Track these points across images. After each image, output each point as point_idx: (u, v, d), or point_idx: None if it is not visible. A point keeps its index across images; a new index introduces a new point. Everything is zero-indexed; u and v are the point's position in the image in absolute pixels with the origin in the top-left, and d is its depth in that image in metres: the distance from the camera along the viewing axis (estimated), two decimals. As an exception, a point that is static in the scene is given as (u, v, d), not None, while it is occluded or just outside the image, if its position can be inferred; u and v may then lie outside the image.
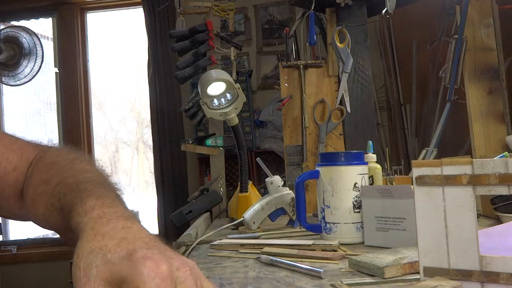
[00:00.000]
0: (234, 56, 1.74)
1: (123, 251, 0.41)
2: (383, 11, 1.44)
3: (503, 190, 0.54)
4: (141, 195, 3.92)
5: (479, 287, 0.55)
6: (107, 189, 0.55)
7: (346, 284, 0.66)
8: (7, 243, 3.46)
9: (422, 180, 0.58)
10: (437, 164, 0.57)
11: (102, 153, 3.90)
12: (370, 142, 1.19)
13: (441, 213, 0.57)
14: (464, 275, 0.55)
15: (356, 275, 0.71)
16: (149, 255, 0.40)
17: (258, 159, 1.27)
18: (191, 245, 1.04)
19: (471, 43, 1.46)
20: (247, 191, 1.36)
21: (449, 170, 0.56)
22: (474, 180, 0.55)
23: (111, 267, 0.40)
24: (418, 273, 0.68)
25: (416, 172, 0.59)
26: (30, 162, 0.67)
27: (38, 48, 3.41)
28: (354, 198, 0.96)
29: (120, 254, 0.41)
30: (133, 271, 0.39)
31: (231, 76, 1.31)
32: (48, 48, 3.65)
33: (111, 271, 0.40)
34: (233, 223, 1.21)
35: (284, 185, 1.21)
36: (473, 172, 0.55)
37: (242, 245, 0.99)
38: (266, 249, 0.90)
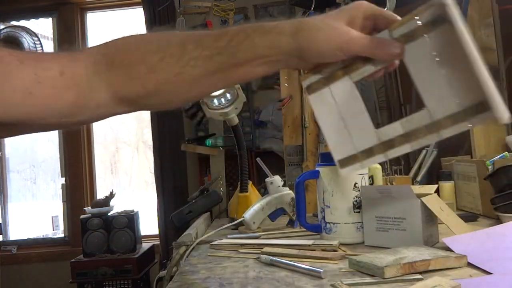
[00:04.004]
0: (234, 56, 1.74)
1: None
2: (383, 11, 1.44)
3: (370, 69, 0.58)
4: (141, 195, 3.92)
5: (383, 158, 0.59)
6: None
7: (346, 284, 0.66)
8: (7, 243, 3.46)
9: (311, 88, 0.63)
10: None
11: (102, 153, 3.89)
12: (370, 142, 1.19)
13: (335, 110, 0.61)
14: (369, 152, 0.60)
15: (356, 275, 0.71)
16: None
17: (258, 159, 1.27)
18: (191, 245, 1.04)
19: (471, 43, 1.46)
20: (247, 191, 1.36)
21: (326, 72, 0.61)
22: (347, 71, 0.59)
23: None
24: (418, 273, 0.68)
25: (304, 84, 0.64)
26: (82, 64, 0.58)
27: (38, 48, 3.41)
28: (354, 198, 0.96)
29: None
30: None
31: (231, 76, 1.31)
32: (48, 48, 3.65)
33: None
34: (233, 223, 1.21)
35: (284, 185, 1.21)
36: (345, 64, 0.59)
37: (242, 245, 0.99)
38: (266, 249, 0.90)
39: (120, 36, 0.61)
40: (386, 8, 1.42)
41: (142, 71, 0.57)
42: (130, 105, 0.62)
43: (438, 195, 1.08)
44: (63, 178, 3.45)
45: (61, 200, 3.45)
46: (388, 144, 0.58)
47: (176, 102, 0.63)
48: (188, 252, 1.01)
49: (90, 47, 0.61)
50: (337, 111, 0.60)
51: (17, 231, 3.60)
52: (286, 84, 1.61)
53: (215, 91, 0.62)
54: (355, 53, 0.56)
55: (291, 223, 1.19)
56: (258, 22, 0.58)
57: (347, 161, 0.61)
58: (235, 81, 0.61)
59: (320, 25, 0.55)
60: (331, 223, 0.98)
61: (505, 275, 0.65)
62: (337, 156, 0.62)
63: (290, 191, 1.18)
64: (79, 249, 2.84)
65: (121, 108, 0.62)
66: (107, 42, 0.61)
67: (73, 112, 0.59)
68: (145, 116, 3.93)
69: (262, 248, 0.91)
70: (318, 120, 0.63)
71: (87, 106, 0.59)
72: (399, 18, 0.57)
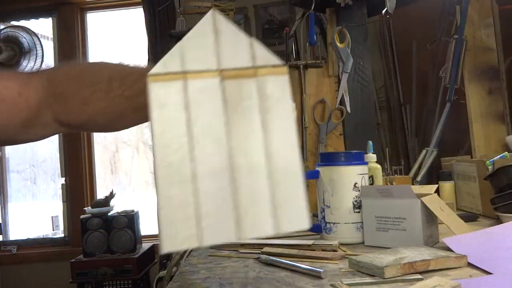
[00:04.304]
0: (234, 56, 1.73)
1: None
2: (383, 11, 1.44)
3: None
4: (141, 195, 3.92)
5: None
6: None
7: (346, 284, 0.66)
8: (7, 243, 3.46)
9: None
10: None
11: (102, 153, 3.89)
12: (370, 142, 1.19)
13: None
14: None
15: (356, 275, 0.71)
16: None
17: (258, 159, 1.26)
18: (191, 245, 1.03)
19: (471, 43, 1.46)
20: (247, 191, 1.36)
21: None
22: None
23: None
24: (418, 273, 0.68)
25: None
26: (35, 89, 0.65)
27: (38, 48, 3.41)
28: (354, 198, 0.96)
29: None
30: None
31: (231, 76, 1.31)
32: (48, 48, 3.65)
33: None
34: (233, 223, 1.21)
35: (284, 185, 1.21)
36: None
37: (242, 245, 0.99)
38: (266, 249, 0.90)
39: (67, 64, 0.70)
40: (386, 8, 1.41)
41: (77, 103, 0.64)
42: (70, 128, 0.69)
43: (438, 195, 1.08)
44: (63, 178, 3.45)
45: (61, 200, 3.45)
46: None
47: (110, 129, 0.71)
48: (188, 252, 1.01)
49: (43, 70, 0.68)
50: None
51: (17, 231, 3.60)
52: (286, 84, 1.61)
53: (143, 123, 0.66)
54: None
55: (291, 223, 1.18)
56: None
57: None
58: None
59: None
60: (331, 223, 0.98)
61: (505, 275, 0.65)
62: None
63: (290, 191, 1.18)
64: (79, 249, 2.84)
65: (64, 129, 0.69)
66: (54, 69, 0.69)
67: (24, 130, 0.66)
68: (145, 116, 3.92)
69: (262, 248, 0.91)
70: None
71: (36, 126, 0.66)
72: None
